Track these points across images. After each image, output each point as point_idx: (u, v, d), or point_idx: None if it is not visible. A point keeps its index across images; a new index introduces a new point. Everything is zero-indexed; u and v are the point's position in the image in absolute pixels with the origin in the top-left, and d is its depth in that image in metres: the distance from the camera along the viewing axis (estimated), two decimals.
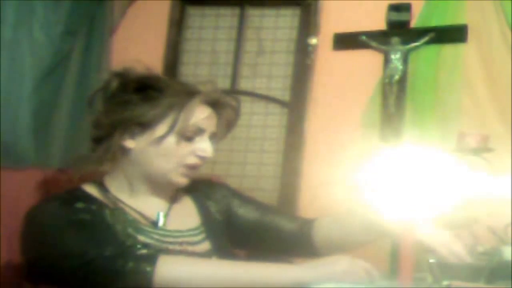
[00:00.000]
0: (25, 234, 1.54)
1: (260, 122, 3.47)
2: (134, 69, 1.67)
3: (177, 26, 3.65)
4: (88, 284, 1.43)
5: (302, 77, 3.42)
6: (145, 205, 1.65)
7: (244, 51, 3.57)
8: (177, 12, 3.66)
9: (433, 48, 3.25)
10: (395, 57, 3.27)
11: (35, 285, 1.60)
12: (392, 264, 1.94)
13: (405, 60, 3.27)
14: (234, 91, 3.50)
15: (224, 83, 3.53)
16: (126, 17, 3.69)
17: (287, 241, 1.78)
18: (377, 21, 3.34)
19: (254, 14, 3.60)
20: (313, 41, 3.42)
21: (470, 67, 3.16)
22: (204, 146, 1.63)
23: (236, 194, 1.86)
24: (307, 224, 1.81)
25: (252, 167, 3.44)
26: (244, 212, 1.81)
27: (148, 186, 1.65)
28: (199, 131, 1.62)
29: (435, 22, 3.26)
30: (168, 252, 1.57)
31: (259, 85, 3.52)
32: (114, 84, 1.65)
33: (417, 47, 3.26)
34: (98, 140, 1.65)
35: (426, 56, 3.26)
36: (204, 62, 3.62)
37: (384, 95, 3.26)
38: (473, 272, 1.65)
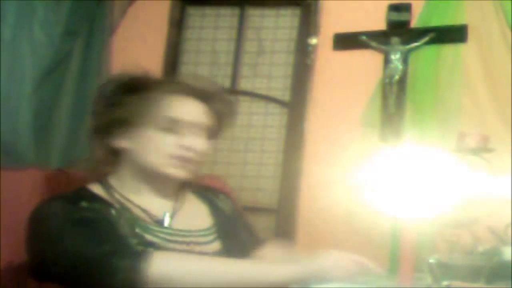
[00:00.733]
0: (29, 231, 1.55)
1: (260, 122, 3.47)
2: (129, 72, 1.68)
3: (177, 26, 3.66)
4: (87, 281, 1.45)
5: (302, 77, 3.42)
6: (151, 204, 1.66)
7: (244, 51, 3.57)
8: (177, 12, 3.66)
9: (433, 48, 3.25)
10: (395, 57, 3.27)
11: (39, 283, 1.61)
12: (392, 264, 1.94)
13: (405, 60, 3.27)
14: (234, 91, 3.51)
15: (224, 83, 3.53)
16: (126, 17, 3.68)
17: None
18: (377, 21, 3.34)
19: (254, 14, 3.60)
20: (313, 41, 3.42)
21: (470, 67, 3.16)
22: (190, 138, 1.63)
23: (240, 213, 1.87)
24: None
25: (252, 167, 3.44)
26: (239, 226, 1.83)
27: (150, 184, 1.66)
28: (183, 124, 1.62)
29: (435, 22, 3.26)
30: (176, 250, 1.57)
31: (259, 85, 3.52)
32: (107, 88, 1.68)
33: (417, 47, 3.26)
34: (95, 142, 1.67)
35: (426, 56, 3.26)
36: (204, 62, 3.62)
37: (384, 95, 3.26)
38: (473, 272, 1.65)
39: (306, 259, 1.53)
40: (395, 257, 1.64)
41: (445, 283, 1.53)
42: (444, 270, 1.62)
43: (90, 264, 1.44)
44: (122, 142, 1.64)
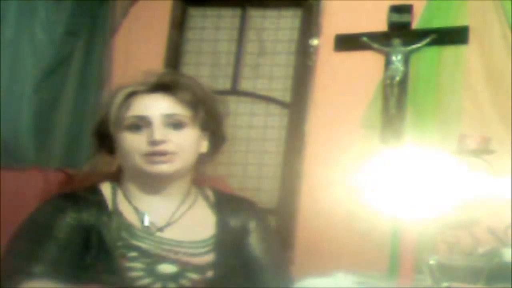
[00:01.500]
0: None
1: (261, 123, 3.47)
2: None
3: (178, 27, 3.66)
4: None
5: (303, 78, 3.42)
6: (152, 208, 1.66)
7: (245, 52, 3.57)
8: (179, 13, 3.67)
9: (434, 50, 3.25)
10: (396, 58, 3.27)
11: None
12: (392, 264, 1.94)
13: (406, 61, 3.27)
14: (235, 91, 3.51)
15: (225, 84, 3.53)
16: (128, 17, 3.69)
17: None
18: (378, 23, 3.34)
19: (256, 15, 3.60)
20: (314, 42, 3.42)
21: (471, 69, 3.16)
22: (160, 132, 1.60)
23: (262, 231, 1.77)
24: None
25: (252, 167, 3.44)
26: (251, 246, 1.74)
27: (148, 188, 1.66)
28: (149, 119, 1.61)
29: (436, 23, 3.26)
30: (161, 258, 1.58)
31: (260, 86, 3.52)
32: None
33: (418, 48, 3.26)
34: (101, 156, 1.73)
35: (427, 57, 3.26)
36: (205, 63, 3.62)
37: (385, 97, 3.26)
38: (472, 274, 1.65)
39: None
40: (395, 258, 1.64)
41: (445, 284, 1.53)
42: (444, 271, 1.62)
43: (3, 276, 1.51)
44: (116, 155, 1.67)
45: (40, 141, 3.12)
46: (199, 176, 1.74)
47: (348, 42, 3.38)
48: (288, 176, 3.36)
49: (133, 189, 1.66)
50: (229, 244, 1.69)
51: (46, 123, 3.19)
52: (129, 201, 1.66)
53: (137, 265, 1.56)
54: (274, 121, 3.47)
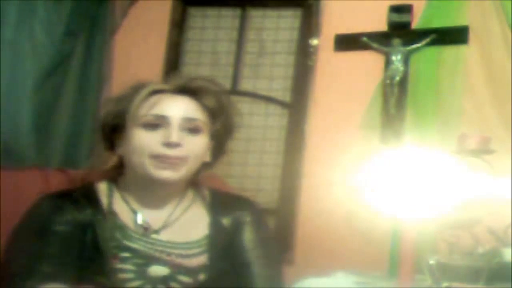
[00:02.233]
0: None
1: (261, 123, 3.47)
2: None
3: (178, 26, 3.66)
4: None
5: (303, 78, 3.42)
6: (147, 209, 1.65)
7: (245, 52, 3.57)
8: (179, 13, 3.67)
9: (434, 50, 3.25)
10: (396, 58, 3.27)
11: None
12: (392, 264, 1.94)
13: (406, 61, 3.27)
14: (235, 91, 3.51)
15: (225, 83, 3.53)
16: (128, 17, 3.69)
17: None
18: (378, 22, 3.34)
19: (256, 15, 3.60)
20: (314, 42, 3.43)
21: (471, 69, 3.16)
22: (177, 135, 1.58)
23: (255, 226, 1.73)
24: None
25: (252, 168, 3.44)
26: (243, 244, 1.70)
27: (147, 189, 1.65)
28: (168, 120, 1.59)
29: (436, 23, 3.26)
30: (154, 260, 1.57)
31: (260, 86, 3.52)
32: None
33: (418, 48, 3.27)
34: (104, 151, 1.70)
35: (427, 57, 3.26)
36: (205, 63, 3.62)
37: (385, 97, 3.26)
38: (472, 273, 1.65)
39: None
40: (395, 258, 1.64)
41: (445, 284, 1.54)
42: (444, 271, 1.62)
43: (11, 276, 1.50)
44: (119, 150, 1.64)
45: (40, 141, 3.12)
46: (196, 179, 1.72)
47: (348, 42, 3.38)
48: (288, 176, 3.36)
49: (131, 190, 1.65)
50: (223, 244, 1.66)
51: (46, 123, 3.19)
52: (126, 202, 1.64)
53: (128, 266, 1.55)
54: (274, 121, 3.47)
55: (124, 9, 3.65)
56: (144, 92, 1.61)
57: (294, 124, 3.40)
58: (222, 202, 1.73)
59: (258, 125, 3.47)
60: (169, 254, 1.59)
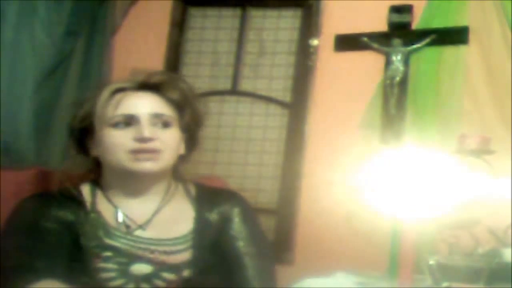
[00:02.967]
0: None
1: (261, 123, 3.47)
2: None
3: (178, 27, 3.66)
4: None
5: (303, 78, 3.42)
6: (130, 207, 1.65)
7: (245, 52, 3.57)
8: (179, 13, 3.67)
9: (435, 50, 3.25)
10: (396, 58, 3.27)
11: None
12: (392, 264, 1.94)
13: (406, 61, 3.27)
14: (235, 91, 3.51)
15: (225, 84, 3.53)
16: (128, 17, 3.69)
17: None
18: (379, 23, 3.34)
19: (256, 15, 3.60)
20: (314, 42, 3.43)
21: (471, 69, 3.16)
22: (147, 130, 1.59)
23: (243, 218, 1.73)
24: None
25: (252, 168, 3.44)
26: (232, 236, 1.69)
27: (129, 186, 1.65)
28: (137, 117, 1.61)
29: (436, 23, 3.26)
30: (137, 258, 1.57)
31: (260, 86, 3.52)
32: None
33: (418, 48, 3.27)
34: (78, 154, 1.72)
35: (427, 57, 3.26)
36: (206, 63, 3.62)
37: (385, 97, 3.26)
38: (472, 274, 1.65)
39: None
40: (395, 258, 1.64)
41: (445, 284, 1.53)
42: (444, 271, 1.62)
43: (6, 272, 1.51)
44: (94, 151, 1.65)
45: (40, 141, 3.12)
46: (180, 175, 1.72)
47: (348, 42, 3.38)
48: (288, 176, 3.36)
49: (113, 188, 1.65)
50: (208, 239, 1.66)
51: (46, 123, 3.19)
52: (109, 200, 1.65)
53: (111, 265, 1.55)
54: (274, 121, 3.46)
55: (124, 9, 3.64)
56: (107, 92, 1.63)
57: (294, 124, 3.40)
58: (208, 197, 1.73)
59: (258, 125, 3.47)
60: (152, 251, 1.59)
